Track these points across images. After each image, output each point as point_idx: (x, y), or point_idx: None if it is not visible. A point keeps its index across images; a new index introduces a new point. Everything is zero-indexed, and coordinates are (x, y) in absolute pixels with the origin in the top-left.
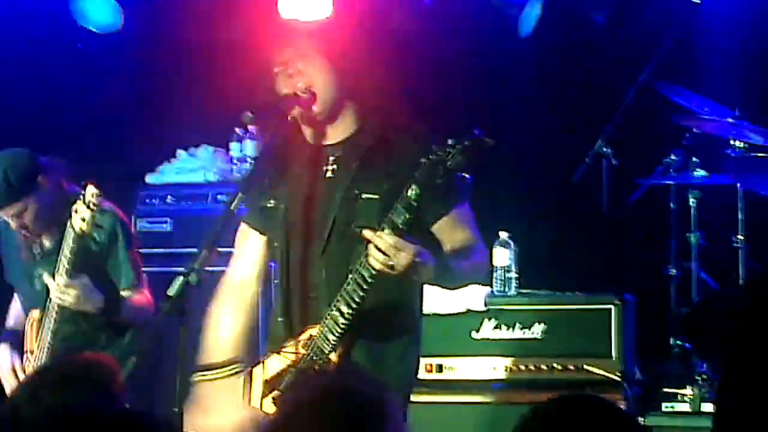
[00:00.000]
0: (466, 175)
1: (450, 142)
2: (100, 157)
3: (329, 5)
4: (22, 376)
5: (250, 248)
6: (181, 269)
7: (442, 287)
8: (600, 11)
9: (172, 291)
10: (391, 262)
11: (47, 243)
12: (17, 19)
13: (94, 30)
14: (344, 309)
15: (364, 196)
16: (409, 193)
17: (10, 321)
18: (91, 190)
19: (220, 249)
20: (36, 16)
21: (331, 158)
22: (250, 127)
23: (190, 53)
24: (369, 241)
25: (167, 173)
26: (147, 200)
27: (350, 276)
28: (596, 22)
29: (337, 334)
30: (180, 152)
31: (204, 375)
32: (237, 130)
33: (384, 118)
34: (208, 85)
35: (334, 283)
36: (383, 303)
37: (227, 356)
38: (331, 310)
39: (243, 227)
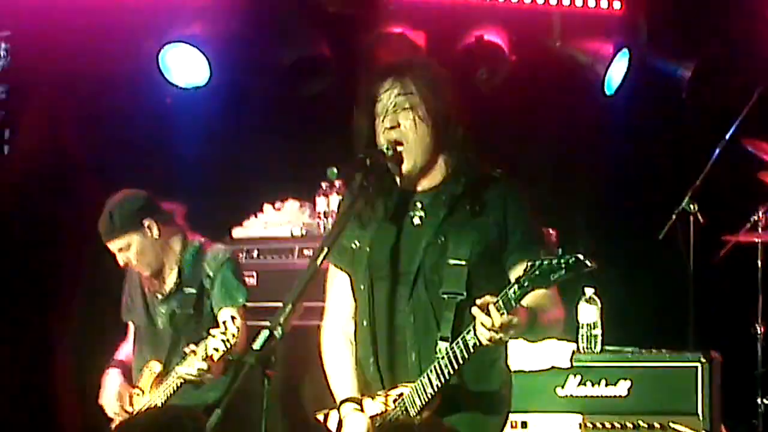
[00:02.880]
0: (552, 231)
1: (558, 253)
2: (187, 212)
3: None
4: (126, 405)
5: (341, 289)
6: (266, 323)
7: (526, 340)
8: (686, 66)
9: (257, 344)
10: (498, 336)
11: (168, 285)
12: (107, 75)
13: (181, 86)
14: (434, 380)
15: (451, 261)
16: (509, 293)
17: (121, 354)
18: (231, 331)
19: (305, 304)
20: (125, 72)
21: (419, 204)
22: (336, 182)
23: (277, 107)
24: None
25: (253, 227)
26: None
27: (446, 347)
28: (682, 77)
29: (424, 401)
30: (266, 206)
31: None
32: (323, 184)
33: (471, 167)
34: (294, 139)
35: (421, 328)
36: (470, 372)
37: (354, 394)
38: (423, 378)
39: (331, 268)
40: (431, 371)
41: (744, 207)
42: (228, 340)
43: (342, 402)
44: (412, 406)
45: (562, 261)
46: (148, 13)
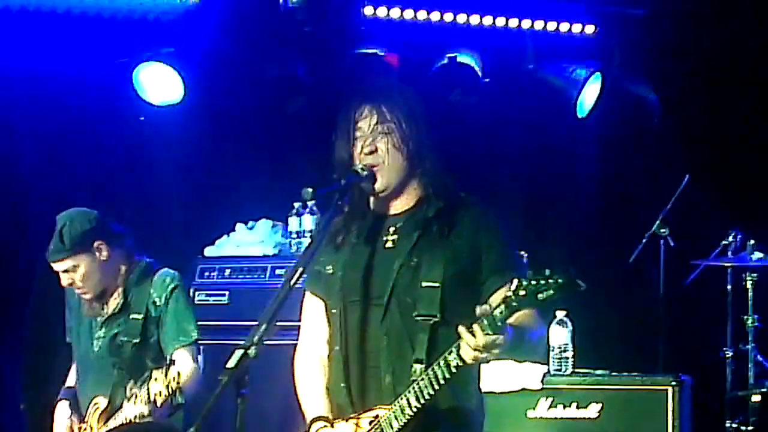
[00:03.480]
0: (524, 253)
1: (546, 272)
2: (160, 230)
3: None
4: None
5: (315, 315)
6: (239, 342)
7: (513, 359)
8: (655, 91)
9: (231, 363)
10: (483, 356)
11: (111, 305)
12: (80, 91)
13: (155, 104)
14: (413, 401)
15: (424, 284)
16: (495, 312)
17: (71, 380)
18: (172, 374)
19: (279, 323)
20: (99, 88)
21: (392, 228)
22: (309, 202)
23: (251, 126)
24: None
25: (226, 246)
26: (205, 273)
27: (422, 369)
28: (654, 101)
29: (401, 423)
30: (239, 226)
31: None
32: (295, 204)
33: (444, 191)
34: (268, 158)
35: (394, 351)
36: (446, 391)
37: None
38: (400, 399)
39: (307, 294)
40: (410, 392)
41: (714, 231)
42: (170, 385)
43: (312, 420)
44: (389, 428)
45: (551, 280)
46: (122, 31)
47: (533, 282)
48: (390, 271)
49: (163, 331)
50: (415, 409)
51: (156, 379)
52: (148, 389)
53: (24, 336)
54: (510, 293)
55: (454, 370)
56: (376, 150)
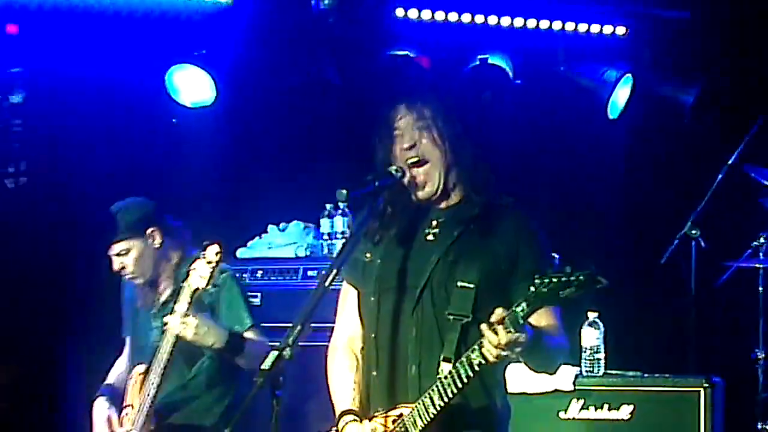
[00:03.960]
0: (555, 255)
1: (567, 269)
2: (192, 231)
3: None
4: (118, 430)
5: (351, 305)
6: (271, 343)
7: (529, 366)
8: (689, 92)
9: (266, 365)
10: (505, 354)
11: (164, 295)
12: (111, 92)
13: (188, 105)
14: (437, 400)
15: (459, 283)
16: (517, 309)
17: (111, 378)
18: (214, 249)
19: (313, 324)
20: (130, 90)
21: (434, 222)
22: (341, 203)
23: (283, 128)
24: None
25: (258, 248)
26: (237, 274)
27: (450, 368)
28: (685, 103)
29: (426, 421)
30: (271, 227)
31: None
32: (327, 206)
33: (484, 189)
34: (299, 161)
35: (423, 343)
36: (471, 391)
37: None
38: (424, 398)
39: (344, 284)
40: (433, 391)
41: (746, 232)
42: (212, 261)
43: (342, 414)
44: (414, 426)
45: (572, 277)
46: (154, 33)
47: (554, 279)
48: (427, 263)
49: (219, 317)
50: (438, 407)
51: (195, 269)
52: (189, 283)
53: (87, 333)
54: (532, 290)
55: (477, 368)
56: (416, 144)
